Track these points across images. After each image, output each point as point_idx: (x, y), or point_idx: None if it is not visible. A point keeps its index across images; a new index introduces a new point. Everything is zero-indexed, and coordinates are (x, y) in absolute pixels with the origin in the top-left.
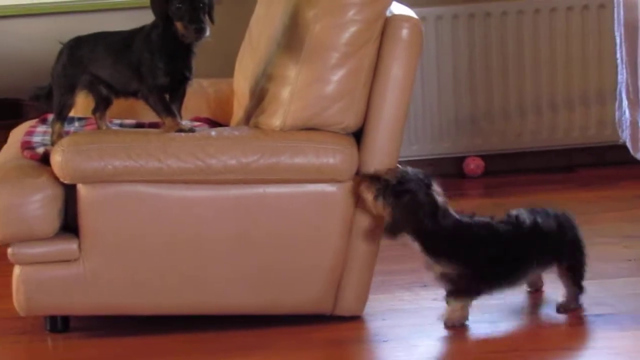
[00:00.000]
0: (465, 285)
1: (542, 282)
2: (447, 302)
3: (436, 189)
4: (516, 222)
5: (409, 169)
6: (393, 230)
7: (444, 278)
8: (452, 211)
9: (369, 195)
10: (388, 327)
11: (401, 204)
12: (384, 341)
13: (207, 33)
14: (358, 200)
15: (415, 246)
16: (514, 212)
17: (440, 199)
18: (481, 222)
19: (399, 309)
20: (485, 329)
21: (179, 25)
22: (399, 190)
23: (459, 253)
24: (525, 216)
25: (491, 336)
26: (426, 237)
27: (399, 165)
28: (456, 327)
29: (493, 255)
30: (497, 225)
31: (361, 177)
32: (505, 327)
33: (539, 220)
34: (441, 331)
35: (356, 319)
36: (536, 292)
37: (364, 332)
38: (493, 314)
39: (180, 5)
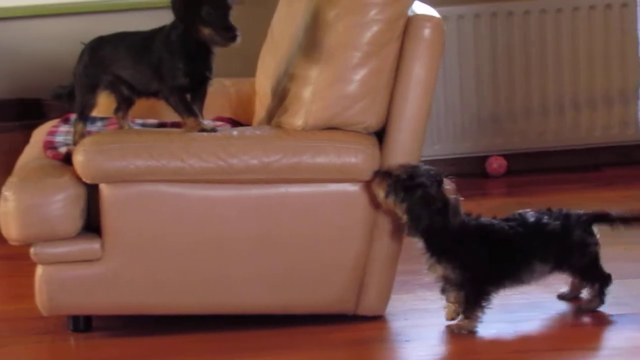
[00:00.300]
0: (472, 297)
1: (579, 290)
2: (461, 314)
3: (448, 186)
4: (520, 221)
5: (421, 165)
6: (413, 227)
7: (444, 281)
8: (462, 211)
9: (380, 192)
10: (410, 326)
11: (413, 199)
12: (406, 341)
13: (239, 40)
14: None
15: (419, 244)
16: (520, 211)
17: (451, 196)
18: (485, 223)
19: (421, 308)
20: (506, 329)
21: (207, 30)
22: (409, 185)
23: (462, 255)
24: (529, 215)
25: (513, 336)
26: (432, 235)
27: (411, 162)
28: (464, 335)
29: (495, 256)
30: (500, 225)
31: (373, 174)
32: (526, 327)
33: (543, 219)
34: None
35: (378, 319)
36: (574, 300)
37: (386, 331)
38: (514, 314)
39: (211, 11)
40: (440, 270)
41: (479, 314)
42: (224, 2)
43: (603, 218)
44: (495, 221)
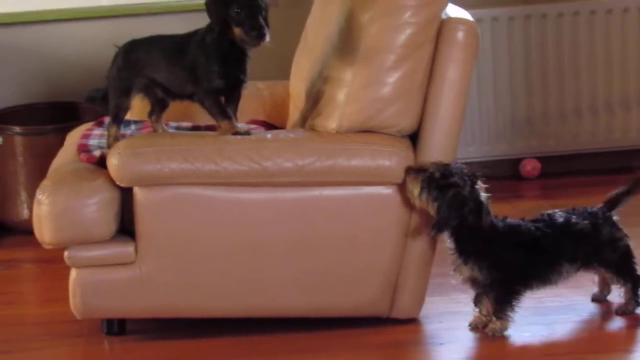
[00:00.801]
0: (502, 298)
1: (608, 287)
2: (493, 316)
3: (480, 185)
4: (548, 221)
5: (454, 163)
6: (439, 226)
7: (470, 283)
8: (491, 211)
9: (414, 189)
10: (445, 329)
11: (446, 198)
12: (440, 344)
13: (268, 39)
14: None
15: (449, 243)
16: (548, 212)
17: (483, 196)
18: (513, 224)
19: (455, 311)
20: (542, 331)
21: (237, 30)
22: (443, 184)
23: (490, 256)
24: (557, 216)
25: (548, 338)
26: (463, 235)
27: (443, 160)
28: (498, 337)
29: (523, 257)
30: (527, 226)
31: (406, 171)
32: (560, 329)
33: (572, 219)
34: None
35: (412, 322)
36: (603, 302)
37: (421, 334)
38: (547, 316)
39: (238, 10)
40: (466, 271)
41: (510, 314)
42: (253, 1)
43: (617, 199)
44: (522, 222)
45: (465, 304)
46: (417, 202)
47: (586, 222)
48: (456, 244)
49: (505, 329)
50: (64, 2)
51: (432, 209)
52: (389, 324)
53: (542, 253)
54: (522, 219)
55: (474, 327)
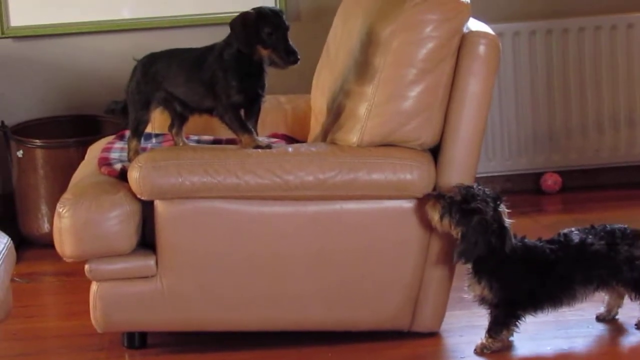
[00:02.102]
0: (501, 318)
1: (616, 311)
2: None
3: (503, 207)
4: (564, 243)
5: (475, 185)
6: (465, 255)
7: (481, 302)
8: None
9: (434, 215)
10: (465, 343)
11: (470, 226)
12: (461, 357)
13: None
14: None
15: (466, 264)
16: (564, 231)
17: (506, 219)
18: (529, 246)
19: (476, 325)
20: (561, 345)
21: (266, 52)
22: (466, 209)
23: (503, 277)
24: (574, 236)
25: (568, 352)
26: (484, 256)
27: (464, 183)
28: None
29: (535, 280)
30: (542, 248)
31: (426, 197)
32: (582, 342)
33: (587, 240)
34: (518, 347)
35: (433, 335)
36: (611, 321)
37: (441, 348)
38: (570, 330)
39: (270, 32)
40: (478, 289)
41: (504, 336)
42: (283, 23)
43: None
44: (539, 244)
45: (486, 318)
46: (438, 227)
47: (602, 242)
48: (474, 265)
49: (496, 348)
50: (85, 15)
51: (455, 233)
52: (409, 337)
53: (554, 277)
54: (539, 239)
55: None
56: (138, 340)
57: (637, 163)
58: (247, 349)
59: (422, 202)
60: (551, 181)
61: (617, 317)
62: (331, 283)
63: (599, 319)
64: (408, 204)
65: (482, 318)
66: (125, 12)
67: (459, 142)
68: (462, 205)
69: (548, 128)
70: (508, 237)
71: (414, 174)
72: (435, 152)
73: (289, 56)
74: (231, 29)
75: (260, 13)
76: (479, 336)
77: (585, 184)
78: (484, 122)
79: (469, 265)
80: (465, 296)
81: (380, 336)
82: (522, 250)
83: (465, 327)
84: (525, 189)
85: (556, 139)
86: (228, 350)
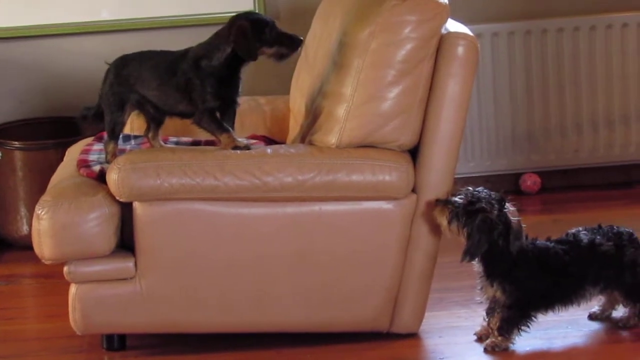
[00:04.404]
0: (514, 318)
1: (612, 308)
2: (495, 332)
3: (510, 209)
4: (574, 243)
5: (481, 190)
6: (470, 253)
7: (493, 303)
8: (523, 234)
9: (443, 220)
10: (445, 344)
11: (474, 224)
12: (440, 359)
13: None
14: (413, 218)
15: (478, 266)
16: (572, 231)
17: (514, 219)
18: (541, 247)
19: (455, 326)
20: (541, 345)
21: (273, 49)
22: (470, 210)
23: (517, 278)
24: (582, 235)
25: (549, 352)
26: (492, 258)
27: (471, 187)
28: (498, 352)
29: (549, 282)
30: (555, 249)
31: (435, 203)
32: (561, 343)
33: (596, 240)
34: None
35: (413, 337)
36: (606, 319)
37: (421, 349)
38: (549, 331)
39: (269, 32)
40: (491, 292)
41: (514, 335)
42: (269, 19)
43: None
44: (550, 244)
45: (466, 318)
46: (448, 233)
47: (610, 243)
48: (485, 267)
49: (506, 347)
50: (64, 16)
51: (463, 237)
52: (389, 339)
53: (568, 277)
54: (549, 239)
55: (479, 337)
56: (117, 342)
57: (616, 163)
58: (227, 350)
59: (429, 207)
60: (530, 182)
61: (611, 316)
62: (311, 284)
63: (592, 317)
64: (387, 205)
65: (461, 319)
66: (105, 14)
67: (438, 143)
68: (467, 207)
69: (527, 129)
70: (513, 237)
71: (393, 175)
72: (415, 153)
73: (294, 41)
74: (236, 44)
75: (249, 20)
76: (459, 337)
77: (565, 184)
78: (462, 123)
79: (480, 268)
80: (461, 296)
81: (360, 337)
82: (533, 252)
83: (445, 328)
84: (504, 189)
85: (535, 139)
86: (207, 352)
